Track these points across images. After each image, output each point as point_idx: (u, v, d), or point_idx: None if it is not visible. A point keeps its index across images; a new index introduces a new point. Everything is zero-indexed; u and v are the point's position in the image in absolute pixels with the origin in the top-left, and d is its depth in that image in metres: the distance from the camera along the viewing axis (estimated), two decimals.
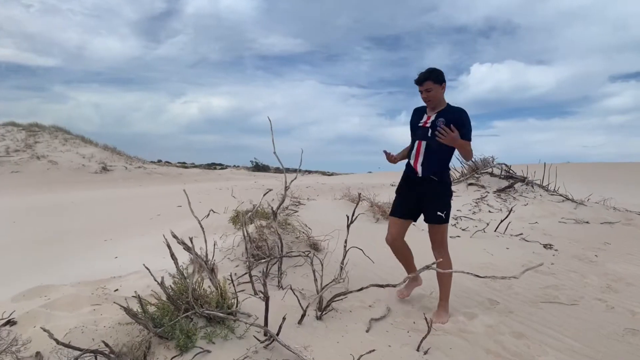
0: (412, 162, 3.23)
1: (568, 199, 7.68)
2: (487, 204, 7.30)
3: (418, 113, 3.31)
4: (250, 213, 3.82)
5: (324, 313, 2.90)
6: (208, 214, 5.31)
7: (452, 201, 3.27)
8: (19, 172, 19.36)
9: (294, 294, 2.83)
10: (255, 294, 3.05)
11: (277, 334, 2.45)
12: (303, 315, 2.77)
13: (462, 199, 7.75)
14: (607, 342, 2.85)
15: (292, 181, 3.43)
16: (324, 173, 35.45)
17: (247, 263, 3.12)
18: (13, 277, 4.22)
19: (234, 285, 2.79)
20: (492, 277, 2.98)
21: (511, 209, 6.03)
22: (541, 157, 10.27)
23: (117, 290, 3.27)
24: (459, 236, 5.46)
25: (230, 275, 2.91)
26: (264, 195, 3.95)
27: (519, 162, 9.85)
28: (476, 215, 6.69)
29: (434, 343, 2.70)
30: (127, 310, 2.46)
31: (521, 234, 5.60)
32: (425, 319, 2.67)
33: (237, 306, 2.72)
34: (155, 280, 2.58)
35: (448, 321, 3.08)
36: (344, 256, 3.29)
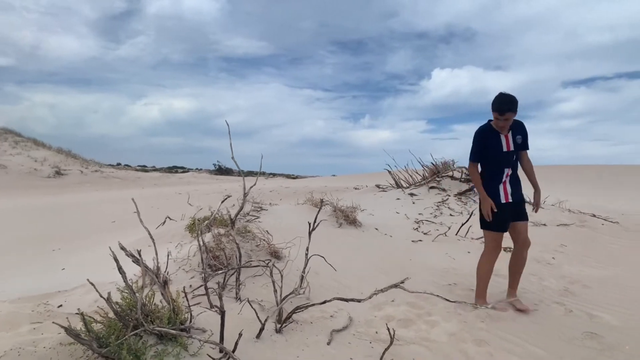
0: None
1: (525, 202, 7.84)
2: (448, 207, 7.36)
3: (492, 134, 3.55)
4: (207, 221, 3.65)
5: (283, 325, 2.77)
6: (164, 222, 5.09)
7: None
8: None
9: (252, 306, 2.69)
10: (211, 307, 2.89)
11: (234, 351, 2.31)
12: (261, 329, 2.64)
13: (423, 202, 7.79)
14: (568, 347, 2.86)
15: (251, 187, 3.29)
16: (288, 176, 35.25)
17: (203, 274, 2.95)
18: None
19: (187, 299, 2.64)
20: (463, 302, 2.94)
21: (472, 213, 6.08)
22: None
23: (60, 306, 3.04)
24: (421, 240, 5.45)
25: (184, 289, 2.74)
26: (222, 201, 3.80)
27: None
28: (437, 219, 6.72)
29: (397, 354, 2.64)
30: (68, 330, 2.26)
31: (481, 237, 5.65)
32: (388, 329, 2.59)
33: (190, 321, 2.56)
34: (101, 296, 2.39)
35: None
36: (306, 264, 3.19)
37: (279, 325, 2.77)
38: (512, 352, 2.77)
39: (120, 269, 2.50)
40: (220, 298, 2.47)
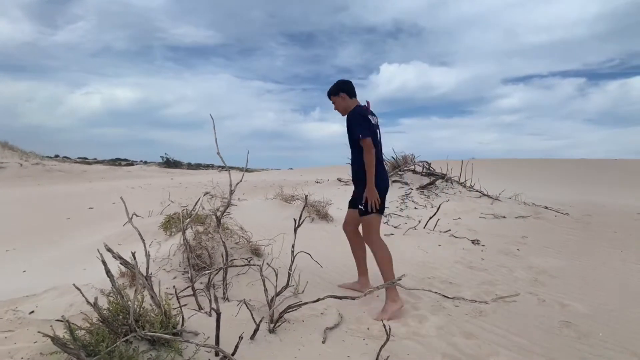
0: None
1: (484, 195, 8.15)
2: (413, 201, 7.50)
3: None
4: (189, 219, 3.50)
5: (277, 325, 2.72)
6: (131, 218, 4.85)
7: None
8: None
9: (247, 307, 2.61)
10: (200, 308, 2.79)
11: (233, 354, 2.24)
12: (256, 330, 2.57)
13: (388, 195, 7.89)
14: (548, 336, 2.98)
15: (237, 184, 3.19)
16: (240, 169, 34.60)
17: (190, 275, 2.84)
18: None
19: (179, 301, 2.53)
20: (460, 299, 2.98)
21: (439, 206, 6.24)
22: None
23: (32, 312, 2.83)
24: (392, 234, 5.52)
25: (176, 291, 2.62)
26: (200, 198, 3.67)
27: (423, 158, 10.30)
28: (404, 212, 6.84)
29: (392, 350, 2.64)
30: (55, 340, 2.11)
31: (449, 230, 5.81)
32: (384, 325, 2.60)
33: (182, 325, 2.46)
34: (88, 302, 2.24)
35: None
36: (292, 262, 3.14)
37: (272, 325, 2.72)
38: (499, 344, 2.85)
39: (108, 272, 2.36)
40: (216, 300, 2.39)
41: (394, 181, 8.61)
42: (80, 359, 2.15)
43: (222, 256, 3.14)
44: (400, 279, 2.65)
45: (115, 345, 2.18)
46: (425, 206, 7.25)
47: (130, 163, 36.64)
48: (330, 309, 3.14)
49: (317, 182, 12.16)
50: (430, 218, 5.96)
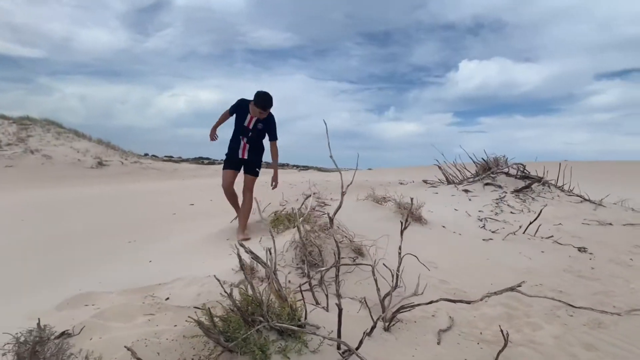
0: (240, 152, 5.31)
1: (586, 200, 7.67)
2: (508, 205, 7.24)
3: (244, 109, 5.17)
4: (302, 218, 3.69)
5: (391, 324, 2.80)
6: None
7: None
8: (12, 166, 18.91)
9: (366, 305, 2.72)
10: (317, 303, 2.94)
11: (357, 348, 2.35)
12: (373, 327, 2.67)
13: (480, 199, 7.69)
14: None
15: (347, 186, 3.31)
16: (319, 169, 35.18)
17: (306, 271, 3.00)
18: (39, 281, 4.05)
19: (302, 296, 2.68)
20: (588, 309, 2.90)
21: (540, 211, 5.97)
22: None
23: (167, 299, 3.13)
24: (491, 239, 5.40)
25: (300, 287, 2.79)
26: (306, 198, 3.83)
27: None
28: (499, 217, 6.63)
29: (509, 356, 2.62)
30: (200, 324, 2.35)
31: (552, 236, 5.55)
32: (501, 331, 2.59)
33: (305, 318, 2.61)
34: (225, 292, 2.45)
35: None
36: (400, 263, 3.21)
37: (387, 324, 2.80)
38: (622, 357, 2.72)
39: (242, 266, 2.56)
40: (339, 296, 2.51)
41: (486, 184, 8.37)
42: (219, 344, 2.38)
43: (335, 254, 3.27)
44: (519, 286, 2.62)
45: (249, 332, 2.37)
46: (522, 211, 6.97)
47: (212, 162, 38.31)
48: (440, 311, 3.17)
49: (401, 184, 12.08)
50: (530, 223, 5.73)
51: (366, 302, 2.78)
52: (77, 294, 3.24)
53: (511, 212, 6.89)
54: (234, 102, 5.15)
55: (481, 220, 6.26)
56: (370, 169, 24.32)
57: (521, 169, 8.69)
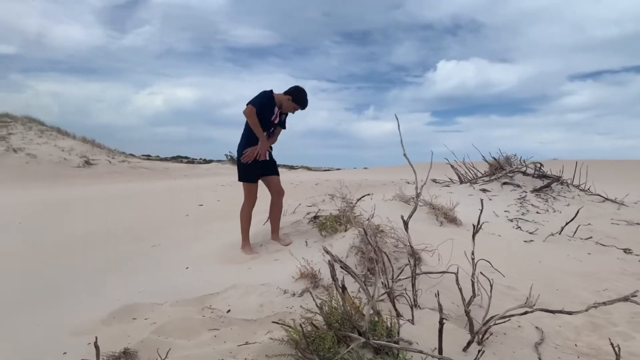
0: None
1: (607, 199, 7.57)
2: (532, 205, 7.09)
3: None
4: (354, 217, 3.42)
5: (485, 338, 2.55)
6: (267, 220, 4.87)
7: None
8: None
9: (468, 317, 2.47)
10: (399, 315, 2.68)
11: None
12: (470, 342, 2.42)
13: (500, 198, 7.53)
14: None
15: (422, 186, 3.06)
16: (308, 168, 34.87)
17: (386, 282, 2.74)
18: (69, 289, 3.68)
19: (395, 309, 2.42)
20: None
21: (578, 211, 5.79)
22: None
23: (229, 311, 2.83)
24: (532, 240, 5.21)
25: (386, 297, 2.52)
26: (359, 199, 3.56)
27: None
28: (527, 217, 6.47)
29: None
30: (298, 344, 2.09)
31: (591, 237, 5.40)
32: (612, 344, 2.36)
33: (398, 333, 2.35)
34: (317, 305, 2.18)
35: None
36: (474, 269, 2.96)
37: (480, 337, 2.56)
38: None
39: (334, 276, 2.28)
40: (441, 309, 2.26)
41: (504, 183, 8.22)
42: None
43: (410, 261, 3.02)
44: (635, 296, 2.40)
45: (347, 351, 2.11)
46: (547, 210, 6.82)
47: (190, 161, 37.58)
48: (523, 321, 2.93)
49: (408, 183, 11.89)
50: (567, 223, 5.57)
51: (468, 315, 2.52)
52: (122, 306, 2.90)
53: (537, 212, 6.74)
54: (213, 100, 4.76)
55: (512, 221, 6.08)
56: (365, 168, 24.17)
57: (538, 168, 8.57)
